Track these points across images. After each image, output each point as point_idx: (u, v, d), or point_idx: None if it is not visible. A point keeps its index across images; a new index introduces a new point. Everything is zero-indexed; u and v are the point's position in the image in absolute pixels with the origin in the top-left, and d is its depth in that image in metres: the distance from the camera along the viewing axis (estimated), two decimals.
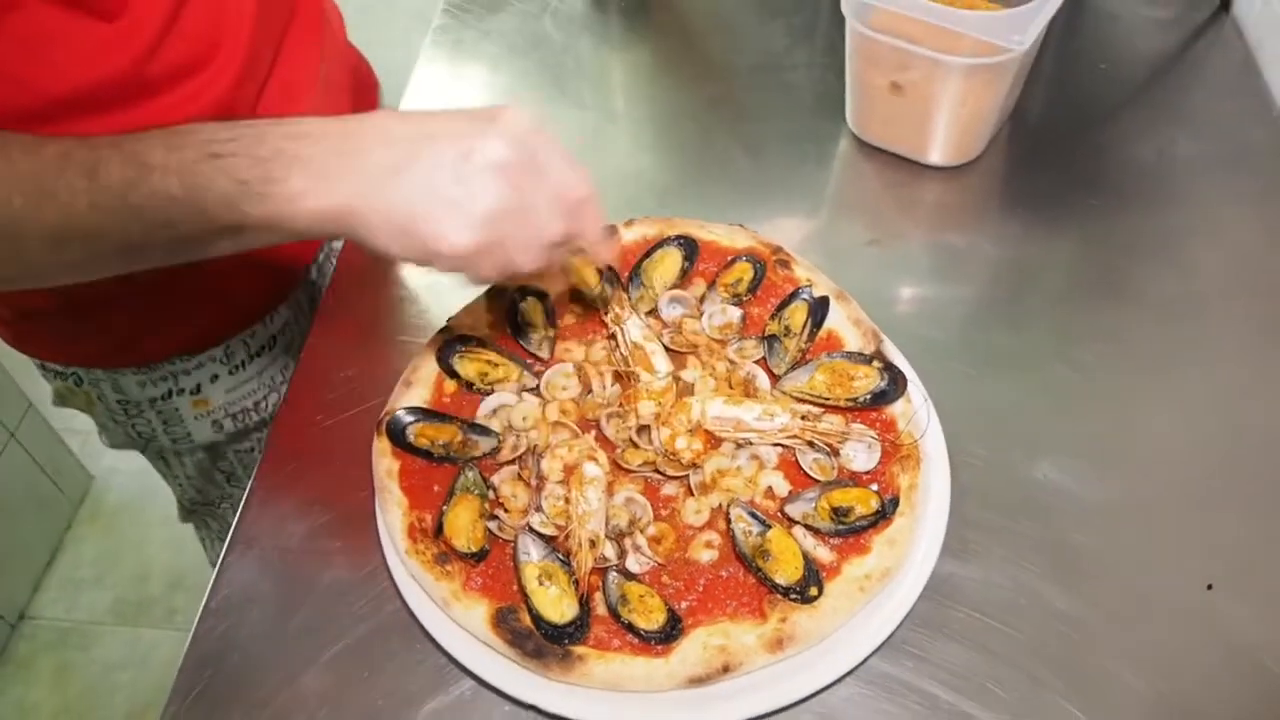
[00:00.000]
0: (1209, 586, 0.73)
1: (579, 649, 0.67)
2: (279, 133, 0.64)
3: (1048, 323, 0.91)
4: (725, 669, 0.67)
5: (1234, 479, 0.79)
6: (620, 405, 0.80)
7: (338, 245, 1.08)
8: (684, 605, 0.70)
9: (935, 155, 1.02)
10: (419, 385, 0.82)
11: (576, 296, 0.88)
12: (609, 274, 0.88)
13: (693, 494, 0.76)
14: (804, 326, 0.84)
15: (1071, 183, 1.02)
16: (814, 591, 0.69)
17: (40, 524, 2.12)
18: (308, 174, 0.62)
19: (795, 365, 0.82)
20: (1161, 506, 0.78)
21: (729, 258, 0.90)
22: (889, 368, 0.80)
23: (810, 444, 0.77)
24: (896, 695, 0.68)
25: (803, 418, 0.78)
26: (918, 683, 0.69)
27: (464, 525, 0.74)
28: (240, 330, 0.99)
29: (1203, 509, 0.77)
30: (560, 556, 0.72)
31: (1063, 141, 1.07)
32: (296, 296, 1.04)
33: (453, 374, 0.83)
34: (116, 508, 2.23)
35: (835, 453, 0.77)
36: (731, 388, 0.81)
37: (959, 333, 0.91)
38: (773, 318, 0.85)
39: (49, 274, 0.72)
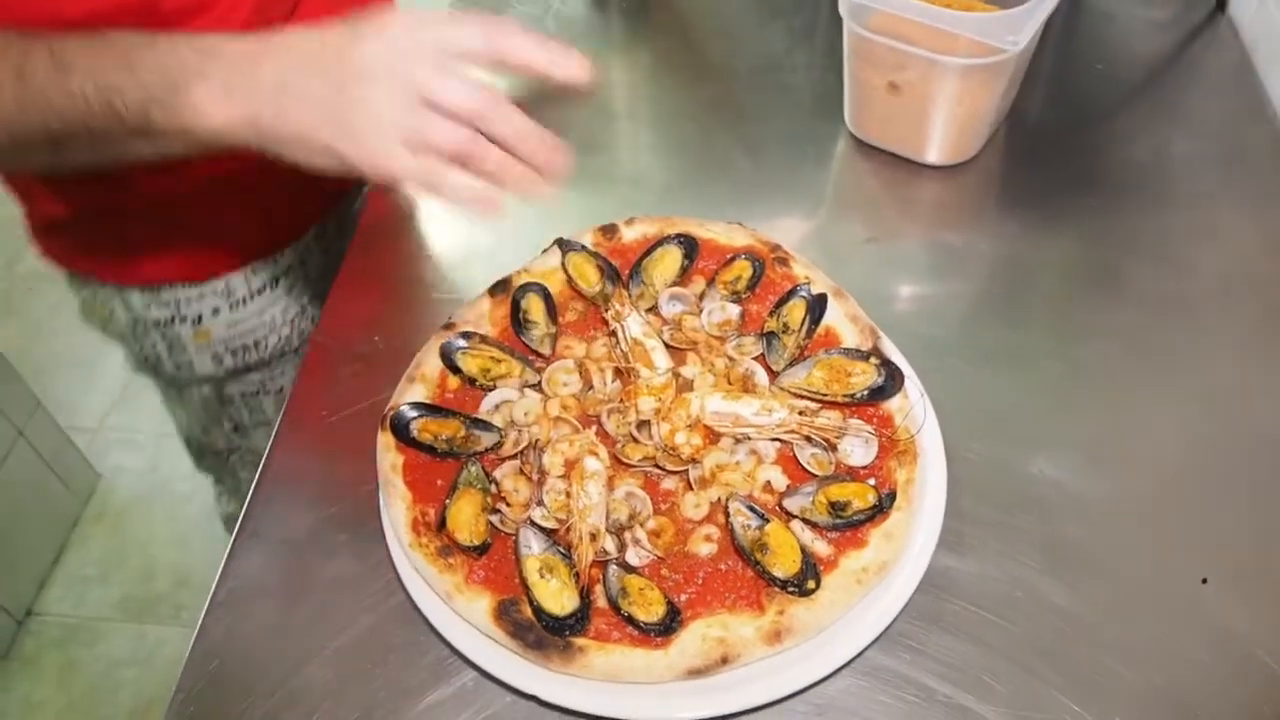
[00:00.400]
0: (1204, 581, 0.73)
1: (579, 640, 0.68)
2: (190, 47, 0.66)
3: (1044, 320, 0.92)
4: (724, 660, 0.68)
5: (1228, 475, 0.80)
6: (621, 401, 0.82)
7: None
8: (683, 598, 0.71)
9: (932, 154, 1.03)
10: (422, 381, 0.83)
11: (577, 294, 0.89)
12: (609, 271, 0.89)
13: (692, 488, 0.77)
14: (802, 323, 0.85)
15: (1068, 182, 1.03)
16: (811, 584, 0.70)
17: (47, 521, 2.13)
18: (208, 88, 0.65)
19: (793, 362, 0.83)
20: (1156, 502, 0.79)
21: (728, 256, 0.91)
22: (886, 364, 0.81)
23: (808, 439, 0.78)
24: (893, 687, 0.69)
25: (800, 413, 0.79)
26: (914, 675, 0.70)
27: (466, 519, 0.75)
28: (241, 267, 1.04)
29: (1197, 505, 0.78)
30: (561, 550, 0.73)
31: (1060, 141, 1.08)
32: (303, 246, 1.09)
33: (456, 370, 0.84)
34: (123, 506, 2.24)
35: (833, 448, 0.78)
36: (730, 384, 0.82)
37: (957, 330, 0.92)
38: (771, 315, 0.86)
39: None
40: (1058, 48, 1.18)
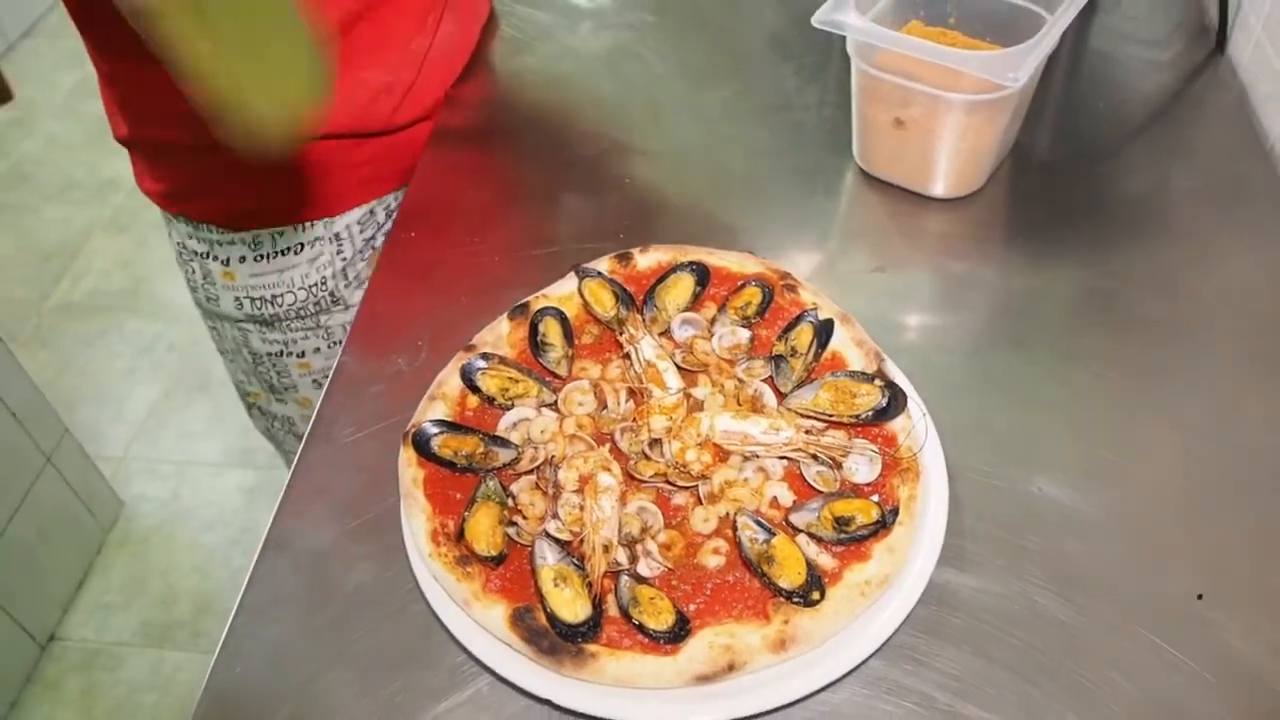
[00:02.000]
0: (1199, 596, 0.75)
1: (591, 647, 0.71)
2: None
3: (1046, 346, 0.95)
4: (730, 667, 0.70)
5: (1224, 496, 0.82)
6: (634, 420, 0.85)
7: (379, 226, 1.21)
8: (692, 607, 0.74)
9: (938, 188, 1.07)
10: (443, 400, 0.87)
11: (593, 318, 0.93)
12: (624, 297, 0.93)
13: (701, 503, 0.79)
14: (809, 347, 0.88)
15: (1071, 214, 1.06)
16: (816, 595, 0.72)
17: (72, 548, 2.18)
18: None
19: (801, 384, 0.86)
20: (1153, 520, 0.81)
21: (739, 282, 0.94)
22: (890, 386, 0.84)
23: (814, 457, 0.81)
24: (895, 696, 0.71)
25: (807, 432, 0.82)
26: (915, 684, 0.72)
27: (484, 530, 0.78)
28: (269, 226, 1.13)
29: (1193, 523, 0.80)
30: (575, 561, 0.76)
31: (1063, 176, 1.11)
32: (339, 224, 1.16)
33: (475, 389, 0.87)
34: (145, 533, 2.28)
35: (838, 465, 0.81)
36: (740, 404, 0.85)
37: (961, 355, 0.94)
38: (780, 339, 0.89)
39: None
40: (1061, 87, 1.22)
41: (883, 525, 0.76)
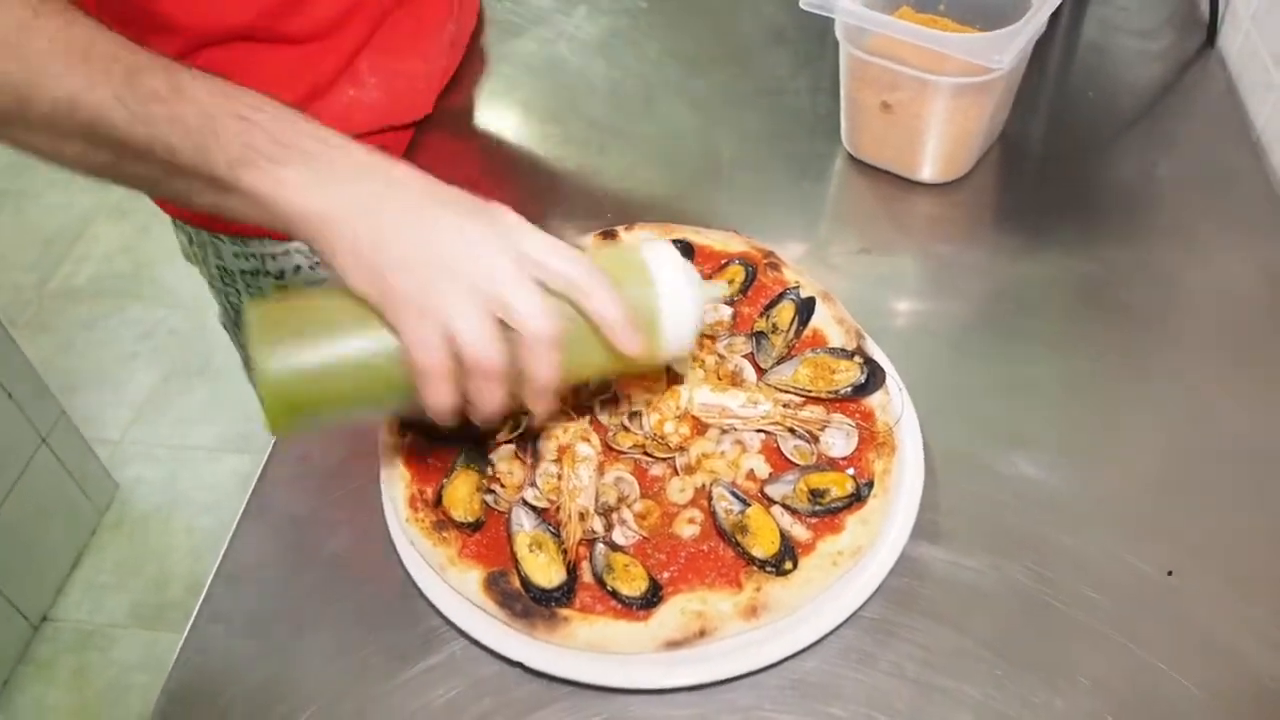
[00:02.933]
0: (1169, 573, 0.76)
1: (564, 611, 0.72)
2: (308, 131, 0.66)
3: (1031, 331, 0.95)
4: (701, 633, 0.71)
5: (1199, 478, 0.82)
6: (614, 393, 0.85)
7: None
8: (665, 575, 0.74)
9: (926, 172, 1.07)
10: None
11: None
12: None
13: (678, 474, 0.80)
14: (791, 324, 0.88)
15: (1059, 201, 1.06)
16: (789, 565, 0.73)
17: (66, 529, 2.19)
18: (308, 171, 0.64)
19: (781, 360, 0.87)
20: (1128, 501, 0.81)
21: (723, 260, 0.95)
22: (868, 362, 0.85)
23: (791, 430, 0.81)
24: (864, 665, 0.72)
25: (785, 406, 0.82)
26: (885, 654, 0.72)
27: (462, 497, 0.78)
28: None
29: (1167, 505, 0.81)
30: (551, 528, 0.76)
31: (1052, 163, 1.12)
32: None
33: None
34: (140, 517, 2.29)
35: (815, 439, 0.81)
36: (720, 379, 0.86)
37: (945, 338, 0.95)
38: (761, 316, 0.90)
39: (36, 143, 0.68)
40: (1053, 77, 1.22)
41: (857, 498, 0.77)
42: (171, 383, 2.56)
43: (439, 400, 0.65)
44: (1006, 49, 0.92)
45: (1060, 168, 1.10)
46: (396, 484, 0.80)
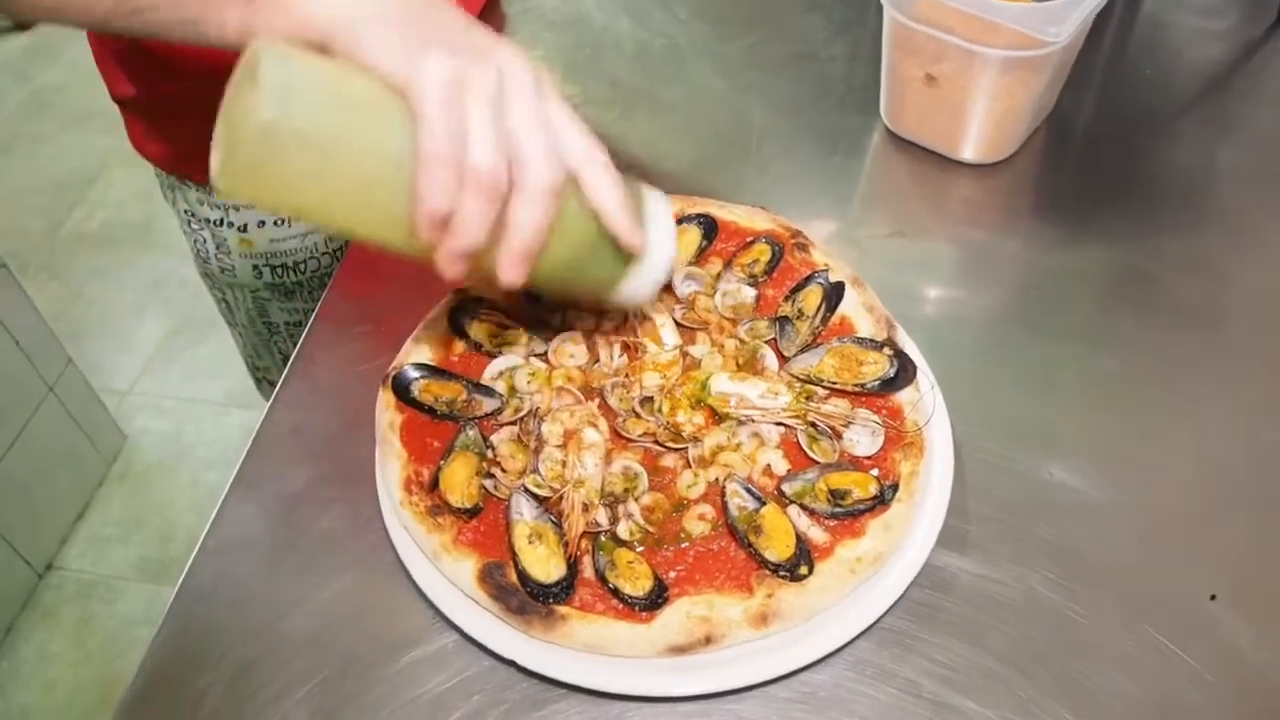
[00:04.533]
0: (1212, 597, 0.71)
1: (562, 609, 0.67)
2: None
3: (1070, 327, 0.89)
4: (707, 640, 0.66)
5: (1246, 494, 0.77)
6: (625, 376, 0.80)
7: None
8: (672, 575, 0.70)
9: (967, 151, 1.01)
10: (429, 343, 0.83)
11: None
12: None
13: (690, 467, 0.75)
14: (817, 310, 0.83)
15: (1107, 188, 1.00)
16: (804, 570, 0.68)
17: (72, 479, 2.17)
18: None
19: (805, 348, 0.81)
20: (1169, 515, 0.76)
21: (748, 239, 0.89)
22: (899, 355, 0.79)
23: (813, 425, 0.76)
24: (879, 680, 0.67)
25: (808, 398, 0.77)
26: (902, 670, 0.68)
27: (460, 481, 0.74)
28: None
29: (1212, 521, 0.75)
30: (552, 518, 0.72)
31: (1101, 146, 1.05)
32: None
33: (463, 334, 0.83)
34: (146, 469, 2.27)
35: (838, 436, 0.76)
36: (739, 366, 0.81)
37: (979, 330, 0.89)
38: (786, 299, 0.85)
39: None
40: (1108, 53, 1.15)
41: (881, 501, 0.72)
42: (181, 335, 2.53)
43: (431, 194, 0.61)
44: (1064, 21, 0.85)
45: (1110, 152, 1.04)
46: (392, 464, 0.75)
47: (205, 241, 1.12)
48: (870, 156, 1.06)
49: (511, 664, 0.68)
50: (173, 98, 1.00)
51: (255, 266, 1.11)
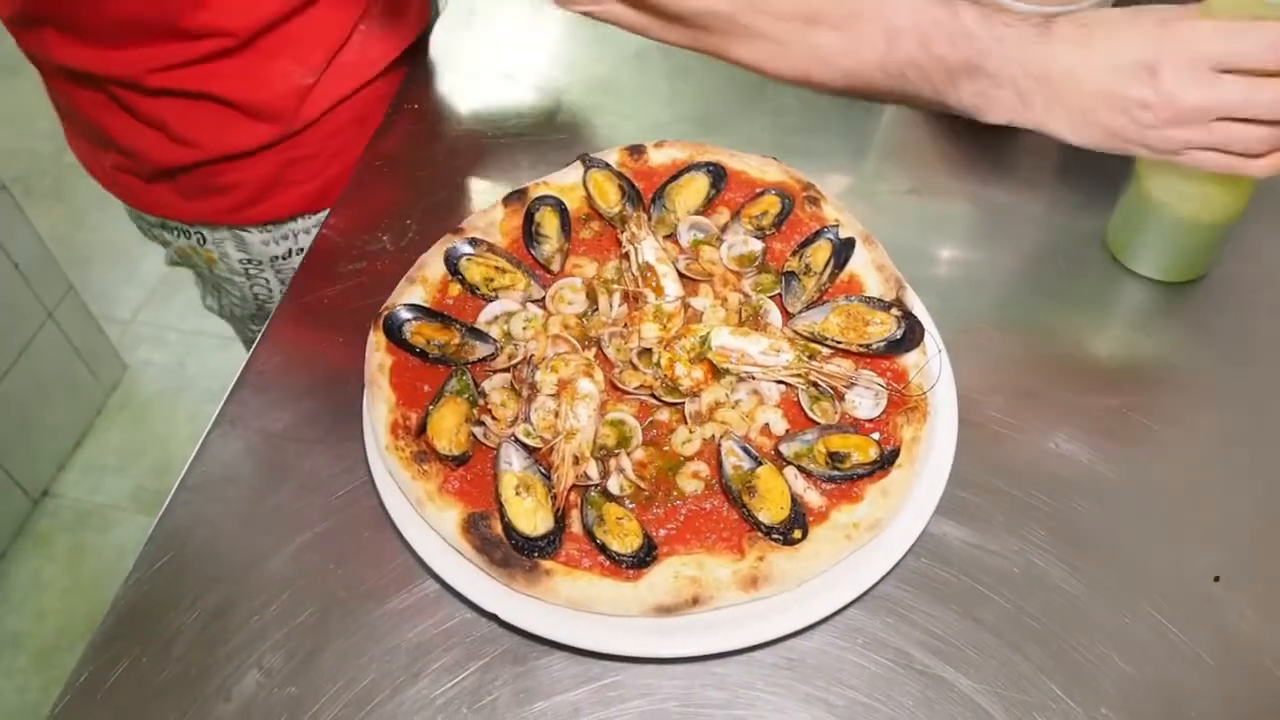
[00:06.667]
0: (1215, 579, 0.69)
1: (547, 563, 0.65)
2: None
3: (1089, 295, 0.86)
4: (695, 601, 0.65)
5: (1258, 476, 0.74)
6: (624, 326, 0.78)
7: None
8: (662, 533, 0.68)
9: None
10: (423, 284, 0.80)
11: (595, 213, 0.85)
12: (631, 193, 0.85)
13: (686, 423, 0.73)
14: (825, 266, 0.80)
15: (1128, 156, 0.96)
16: (797, 534, 0.66)
17: (71, 407, 2.16)
18: (1017, 95, 0.72)
19: (811, 304, 0.79)
20: (1177, 493, 0.74)
21: (757, 190, 0.86)
22: (907, 316, 0.76)
23: (815, 385, 0.74)
24: (870, 649, 0.66)
25: (810, 357, 0.75)
26: (893, 640, 0.66)
27: (448, 427, 0.72)
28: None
29: (1219, 501, 0.73)
30: (542, 470, 0.70)
31: None
32: None
33: (458, 276, 0.80)
34: (146, 400, 2.26)
35: (840, 397, 0.74)
36: (741, 320, 0.78)
37: (992, 293, 0.87)
38: (794, 254, 0.82)
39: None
40: None
41: (880, 466, 0.69)
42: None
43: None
44: None
45: None
46: (380, 407, 0.73)
47: (267, 284, 1.08)
48: (889, 111, 1.02)
49: (492, 617, 0.66)
50: (245, 149, 0.95)
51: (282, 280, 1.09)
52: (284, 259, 1.06)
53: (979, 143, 0.98)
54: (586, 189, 0.86)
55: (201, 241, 1.05)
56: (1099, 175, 0.94)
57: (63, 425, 2.14)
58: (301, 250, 1.05)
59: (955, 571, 0.69)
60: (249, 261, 1.06)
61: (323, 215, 0.98)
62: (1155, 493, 0.73)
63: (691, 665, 0.65)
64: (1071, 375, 0.81)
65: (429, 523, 0.69)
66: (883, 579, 0.67)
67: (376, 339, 0.76)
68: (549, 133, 0.99)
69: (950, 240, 0.91)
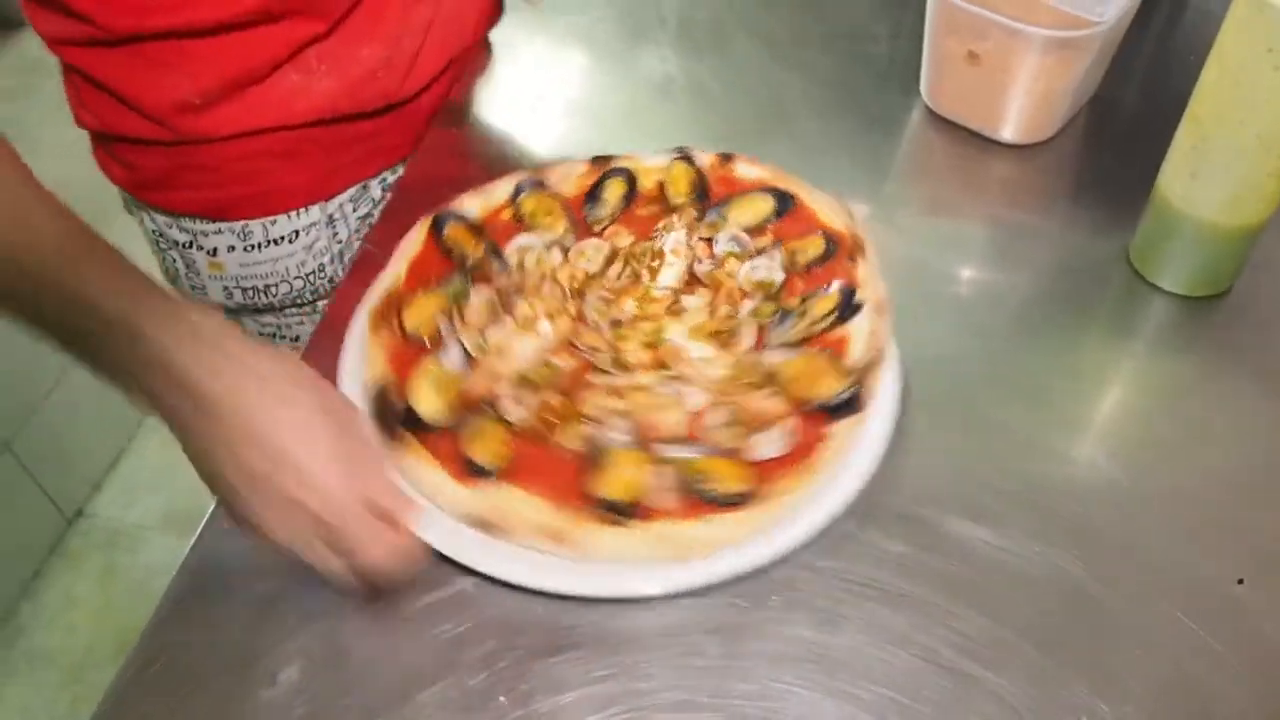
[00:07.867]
0: (1240, 581, 0.69)
1: (409, 436, 0.71)
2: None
3: (1105, 310, 0.86)
4: (493, 526, 0.68)
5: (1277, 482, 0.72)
6: (615, 295, 0.81)
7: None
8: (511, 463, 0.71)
9: (1007, 132, 0.97)
10: (484, 197, 0.88)
11: (661, 198, 0.89)
12: (700, 191, 0.89)
13: (606, 394, 0.75)
14: (824, 318, 0.79)
15: (1148, 174, 0.89)
16: (621, 520, 0.68)
17: (107, 427, 2.15)
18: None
19: (788, 345, 0.78)
20: (1199, 498, 0.74)
21: (816, 228, 0.86)
22: (858, 389, 0.73)
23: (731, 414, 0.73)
24: (896, 645, 0.66)
25: (749, 385, 0.74)
26: (920, 637, 0.66)
27: (425, 312, 0.79)
28: (261, 216, 1.01)
29: (1242, 505, 0.73)
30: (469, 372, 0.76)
31: (1143, 132, 0.95)
32: (333, 206, 1.04)
33: (515, 203, 0.88)
34: None
35: (746, 432, 0.72)
36: (714, 334, 0.79)
37: (1012, 311, 0.87)
38: (802, 299, 0.81)
39: None
40: (1154, 39, 1.11)
41: (734, 501, 0.68)
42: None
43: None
44: (1110, 1, 0.82)
45: (1153, 139, 0.89)
46: (389, 279, 0.82)
47: (175, 261, 1.06)
48: (909, 134, 1.02)
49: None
50: (131, 136, 0.95)
51: (226, 288, 1.06)
52: (185, 248, 1.03)
53: (996, 165, 0.98)
54: (665, 175, 0.90)
55: (128, 201, 1.06)
56: (1120, 194, 0.91)
57: (99, 445, 2.15)
58: (201, 248, 1.03)
59: (978, 572, 0.69)
60: (158, 235, 1.05)
61: (228, 224, 0.99)
62: (1177, 499, 0.73)
63: (722, 659, 0.66)
64: (1092, 387, 0.81)
65: (360, 379, 0.76)
66: (903, 576, 0.68)
67: (420, 232, 0.85)
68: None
69: (970, 260, 0.91)
